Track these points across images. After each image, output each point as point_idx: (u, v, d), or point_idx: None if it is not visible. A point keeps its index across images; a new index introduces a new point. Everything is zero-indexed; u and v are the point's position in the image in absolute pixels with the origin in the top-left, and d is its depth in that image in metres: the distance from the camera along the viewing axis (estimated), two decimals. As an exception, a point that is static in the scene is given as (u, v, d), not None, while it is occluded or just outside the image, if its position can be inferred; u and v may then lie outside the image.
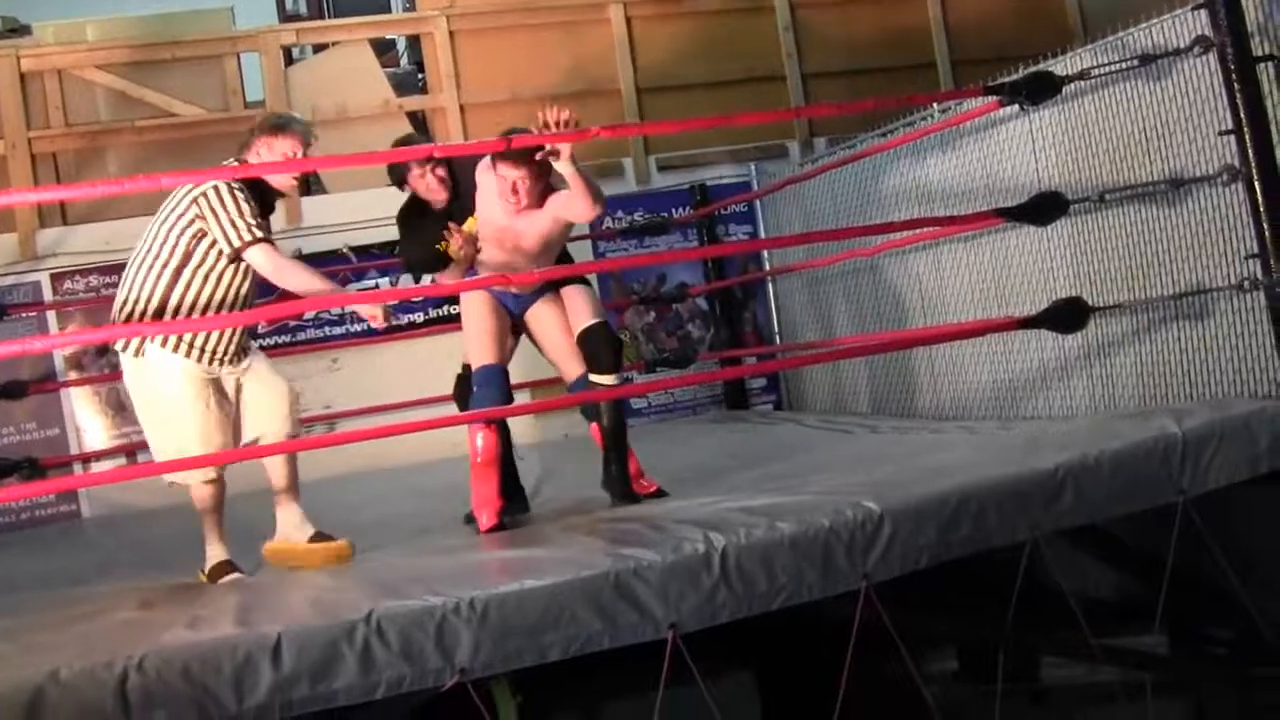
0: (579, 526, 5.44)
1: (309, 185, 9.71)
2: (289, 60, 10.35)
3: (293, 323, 9.32)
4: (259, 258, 5.41)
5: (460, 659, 4.25)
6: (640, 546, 4.62)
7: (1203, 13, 5.59)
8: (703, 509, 5.25)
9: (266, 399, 5.75)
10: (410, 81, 10.66)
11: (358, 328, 9.45)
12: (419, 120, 10.26)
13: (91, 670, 4.00)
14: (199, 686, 4.04)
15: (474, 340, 6.20)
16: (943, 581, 5.00)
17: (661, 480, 6.32)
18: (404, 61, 11.37)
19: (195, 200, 5.38)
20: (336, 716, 4.30)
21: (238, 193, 5.40)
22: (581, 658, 4.42)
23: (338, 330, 9.51)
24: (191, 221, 5.41)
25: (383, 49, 10.82)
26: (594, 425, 6.25)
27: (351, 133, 9.76)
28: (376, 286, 9.56)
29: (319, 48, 10.50)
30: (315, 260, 9.35)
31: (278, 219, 9.25)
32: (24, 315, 8.95)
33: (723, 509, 5.15)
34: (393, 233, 9.50)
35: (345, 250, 9.56)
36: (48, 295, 9.17)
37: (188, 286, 5.46)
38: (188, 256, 5.44)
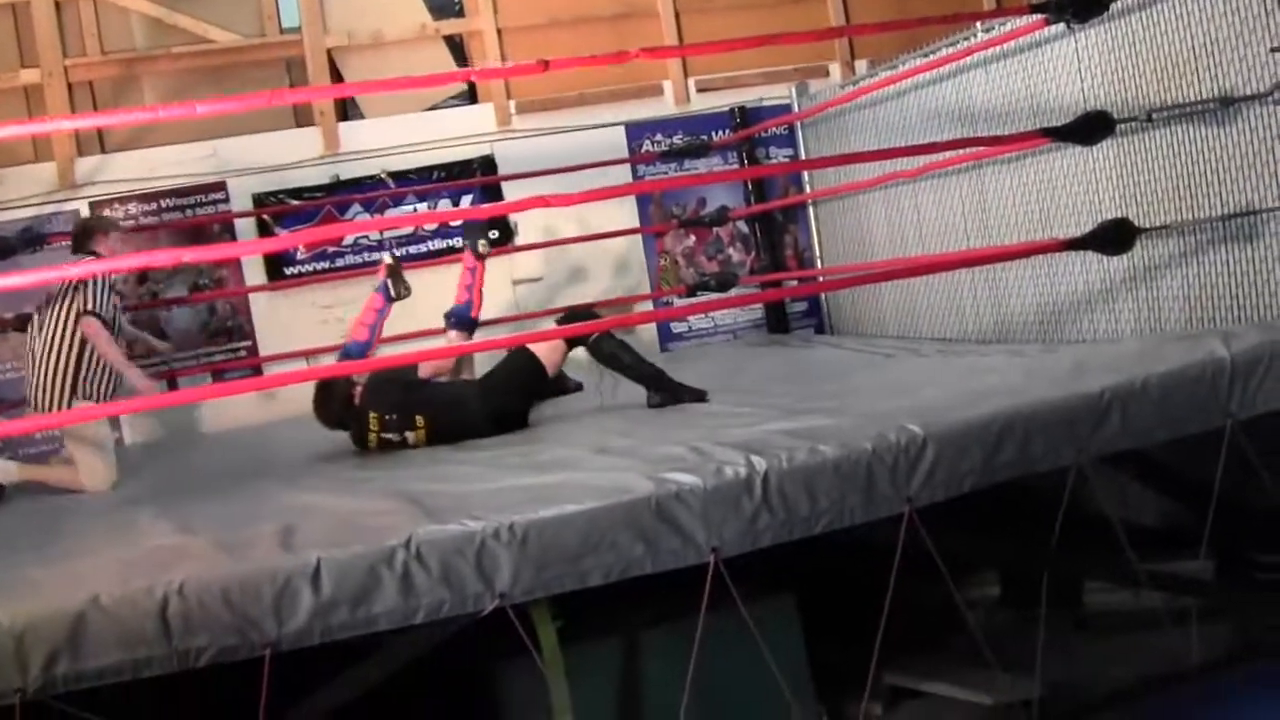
0: (619, 450, 5.41)
1: (346, 111, 9.68)
2: (324, -16, 10.26)
3: (331, 249, 9.29)
4: (92, 325, 7.04)
5: (500, 584, 4.26)
6: (681, 470, 4.60)
7: (1253, -76, 5.49)
8: (744, 432, 5.22)
9: None
10: (447, 5, 10.54)
11: (398, 253, 9.41)
12: (456, 44, 10.18)
13: (132, 596, 4.02)
14: (239, 611, 4.06)
15: None
16: (986, 506, 4.96)
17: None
18: (441, -16, 11.25)
19: (78, 287, 7.07)
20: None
21: (100, 280, 7.14)
22: (623, 581, 4.42)
23: (376, 255, 9.45)
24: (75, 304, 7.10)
25: (419, -28, 10.70)
26: None
27: (388, 57, 9.70)
28: (415, 211, 9.51)
29: (354, -29, 10.39)
30: (353, 186, 9.35)
31: (315, 146, 9.37)
32: (63, 244, 8.93)
33: (764, 432, 5.13)
34: (431, 157, 9.56)
35: (383, 175, 9.50)
36: (86, 224, 9.16)
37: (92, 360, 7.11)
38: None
